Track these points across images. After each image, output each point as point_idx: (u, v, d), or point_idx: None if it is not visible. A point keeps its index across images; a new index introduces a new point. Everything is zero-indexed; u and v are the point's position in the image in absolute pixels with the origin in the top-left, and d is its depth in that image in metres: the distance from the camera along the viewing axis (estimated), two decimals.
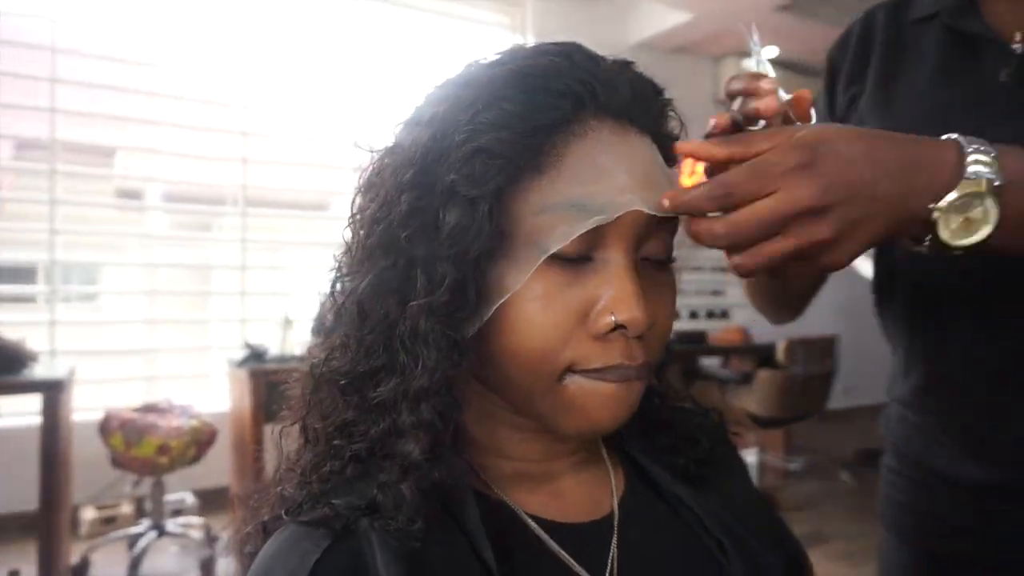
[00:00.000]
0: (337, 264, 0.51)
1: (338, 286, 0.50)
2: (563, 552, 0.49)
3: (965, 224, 0.48)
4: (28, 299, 3.84)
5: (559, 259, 0.44)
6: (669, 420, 0.59)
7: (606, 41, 0.63)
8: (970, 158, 0.48)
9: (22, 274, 3.83)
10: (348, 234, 0.50)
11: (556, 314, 0.44)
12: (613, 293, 0.44)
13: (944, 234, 0.48)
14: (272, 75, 3.64)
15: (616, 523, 0.52)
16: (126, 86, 3.49)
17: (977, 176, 0.47)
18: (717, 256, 0.87)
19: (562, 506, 0.51)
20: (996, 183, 0.48)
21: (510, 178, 0.43)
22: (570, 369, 0.45)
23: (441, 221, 0.43)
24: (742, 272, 0.47)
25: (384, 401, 0.45)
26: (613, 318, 0.44)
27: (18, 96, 3.21)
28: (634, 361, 0.46)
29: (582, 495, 0.53)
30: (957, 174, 0.47)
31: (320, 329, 0.53)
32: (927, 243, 0.49)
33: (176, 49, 3.50)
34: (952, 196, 0.47)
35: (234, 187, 3.65)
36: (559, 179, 0.44)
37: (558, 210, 0.43)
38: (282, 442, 0.52)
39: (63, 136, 3.29)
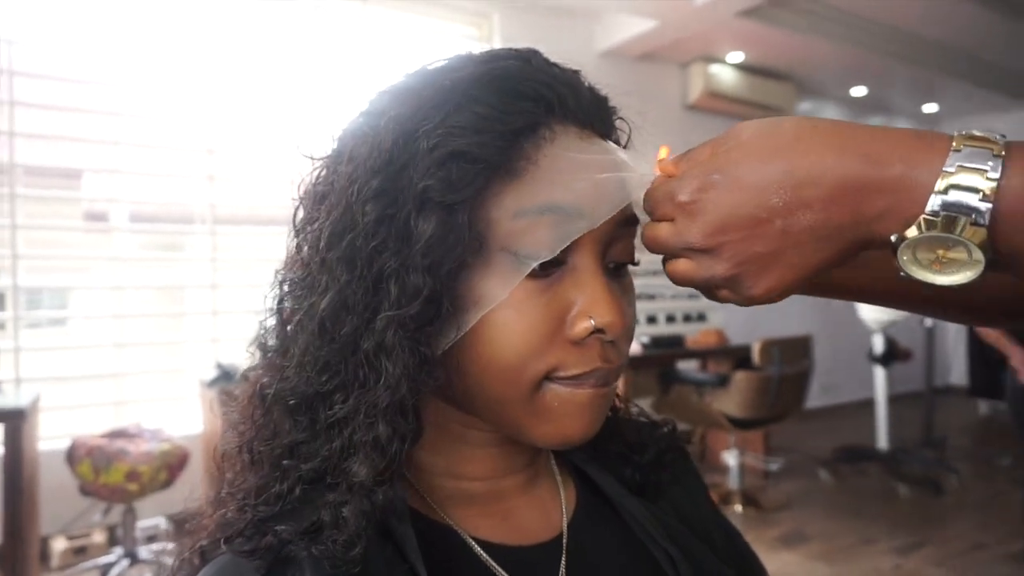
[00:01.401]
0: (280, 279, 0.49)
1: (286, 303, 0.48)
2: None
3: (941, 262, 0.37)
4: None
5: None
6: (618, 430, 0.58)
7: (574, 50, 0.62)
8: (946, 181, 0.36)
9: None
10: (293, 247, 0.48)
11: (531, 321, 0.43)
12: (589, 297, 0.43)
13: (911, 270, 0.38)
14: (236, 90, 3.60)
15: (565, 544, 0.51)
16: (87, 107, 3.44)
17: (949, 210, 0.35)
18: None
19: (510, 528, 0.50)
20: (976, 220, 0.35)
21: (487, 183, 0.42)
22: (547, 377, 0.44)
23: (414, 230, 0.41)
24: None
25: (339, 419, 0.43)
26: (592, 322, 0.43)
27: None
28: (611, 364, 0.45)
29: (531, 516, 0.52)
30: (926, 202, 0.36)
31: (264, 347, 0.50)
32: (901, 273, 0.39)
33: (136, 68, 3.45)
34: (913, 233, 0.37)
35: (202, 205, 3.61)
36: (534, 183, 0.43)
37: (535, 213, 0.42)
38: (224, 464, 0.50)
39: (23, 160, 3.24)
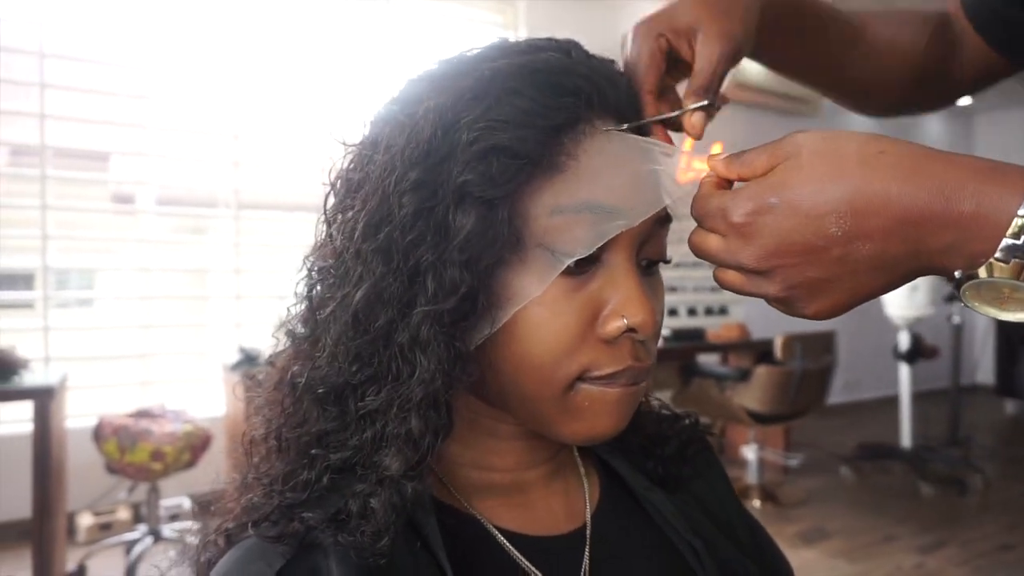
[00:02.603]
0: (310, 267, 0.48)
1: (316, 291, 0.47)
2: (533, 568, 0.47)
3: (1005, 300, 0.37)
4: (25, 305, 3.82)
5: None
6: (638, 422, 0.58)
7: (598, 38, 0.62)
8: (1020, 223, 0.34)
9: (19, 280, 3.82)
10: (323, 234, 0.48)
11: (565, 320, 0.43)
12: (623, 296, 0.43)
13: (973, 304, 0.38)
14: (262, 75, 3.62)
15: (588, 535, 0.51)
16: (115, 90, 3.47)
17: (1019, 256, 0.35)
18: None
19: (534, 519, 0.50)
20: None
21: (527, 178, 0.42)
22: (580, 377, 0.44)
23: (452, 224, 0.41)
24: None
25: (371, 412, 0.43)
26: (624, 321, 0.43)
27: (7, 101, 3.19)
28: (642, 363, 0.45)
29: (555, 507, 0.52)
30: (996, 243, 0.35)
31: (292, 334, 0.50)
32: (963, 305, 0.39)
33: (164, 51, 3.48)
34: (982, 275, 0.36)
35: (226, 190, 3.64)
36: (573, 179, 0.42)
37: (573, 211, 0.42)
38: (251, 448, 0.50)
39: (53, 141, 3.28)
